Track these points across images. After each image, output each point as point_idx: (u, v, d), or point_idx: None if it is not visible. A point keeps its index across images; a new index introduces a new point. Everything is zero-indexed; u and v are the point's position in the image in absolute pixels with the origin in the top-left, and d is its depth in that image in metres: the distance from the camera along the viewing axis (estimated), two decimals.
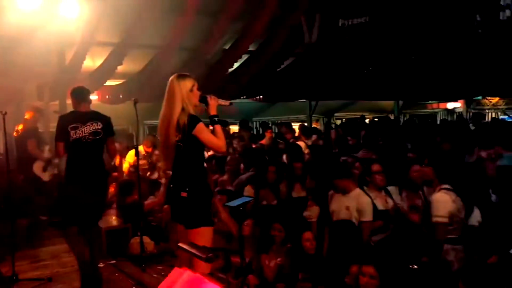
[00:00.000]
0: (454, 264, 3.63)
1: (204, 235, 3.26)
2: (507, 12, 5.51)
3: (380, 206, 4.53)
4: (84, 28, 7.63)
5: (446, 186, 3.80)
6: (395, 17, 9.48)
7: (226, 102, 3.52)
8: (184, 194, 3.27)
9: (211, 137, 3.28)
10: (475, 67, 12.09)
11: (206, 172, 3.62)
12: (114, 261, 5.38)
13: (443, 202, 3.72)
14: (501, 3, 5.50)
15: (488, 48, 10.73)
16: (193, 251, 2.11)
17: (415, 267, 3.44)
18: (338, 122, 16.70)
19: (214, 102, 3.37)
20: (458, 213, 3.71)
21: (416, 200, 4.36)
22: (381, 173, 4.57)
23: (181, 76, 3.35)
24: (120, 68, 8.73)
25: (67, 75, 8.07)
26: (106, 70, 8.77)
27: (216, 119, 3.36)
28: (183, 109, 3.25)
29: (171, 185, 3.43)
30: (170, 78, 3.34)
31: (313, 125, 14.76)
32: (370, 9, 8.41)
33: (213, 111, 3.37)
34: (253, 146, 8.16)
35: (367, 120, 15.59)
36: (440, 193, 3.80)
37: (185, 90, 3.28)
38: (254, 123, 14.92)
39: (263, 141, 8.94)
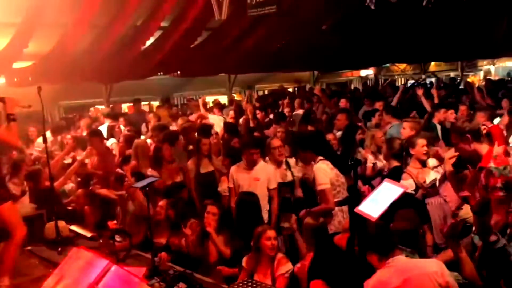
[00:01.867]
0: (341, 223, 4.14)
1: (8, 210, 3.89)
2: None
3: (279, 179, 4.95)
4: None
5: (321, 157, 4.26)
6: None
7: (26, 106, 4.06)
8: None
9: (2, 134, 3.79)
10: (383, 36, 12.93)
11: None
12: (29, 247, 5.41)
13: (323, 170, 4.18)
14: None
15: (392, 19, 11.52)
16: (79, 231, 2.33)
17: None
18: (260, 93, 17.15)
19: (11, 103, 3.86)
20: (337, 177, 4.20)
21: (309, 171, 4.82)
22: (280, 148, 4.97)
23: None
24: (28, 49, 8.42)
25: None
26: (11, 52, 8.42)
27: (11, 117, 3.80)
28: None
29: None
30: None
31: (237, 98, 15.09)
32: None
33: (9, 110, 3.82)
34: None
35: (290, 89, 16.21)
36: (318, 164, 4.25)
37: None
38: (176, 99, 14.97)
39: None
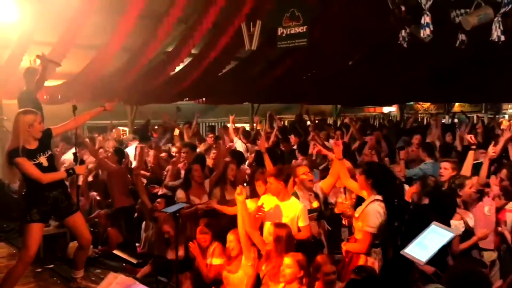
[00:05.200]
0: (374, 264, 4.01)
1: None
2: (427, 31, 6.02)
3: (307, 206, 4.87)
4: (22, 29, 7.50)
5: (379, 197, 4.08)
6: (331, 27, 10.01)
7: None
8: None
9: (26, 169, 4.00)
10: (409, 74, 12.96)
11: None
12: (51, 266, 5.39)
13: (377, 214, 4.00)
14: (421, 21, 6.01)
15: (418, 59, 11.57)
16: (124, 256, 2.29)
17: None
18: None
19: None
20: (385, 223, 4.04)
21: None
22: (309, 174, 4.93)
23: (24, 112, 4.02)
24: (60, 68, 8.59)
25: (3, 75, 7.89)
26: None
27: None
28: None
29: None
30: (17, 112, 4.02)
31: (258, 127, 15.11)
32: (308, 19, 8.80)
33: None
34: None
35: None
36: (375, 205, 4.05)
37: (26, 125, 3.93)
38: (199, 124, 15.05)
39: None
